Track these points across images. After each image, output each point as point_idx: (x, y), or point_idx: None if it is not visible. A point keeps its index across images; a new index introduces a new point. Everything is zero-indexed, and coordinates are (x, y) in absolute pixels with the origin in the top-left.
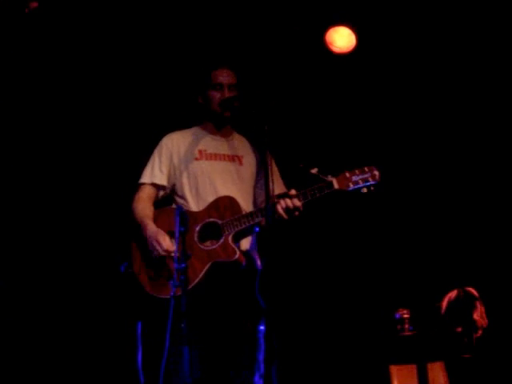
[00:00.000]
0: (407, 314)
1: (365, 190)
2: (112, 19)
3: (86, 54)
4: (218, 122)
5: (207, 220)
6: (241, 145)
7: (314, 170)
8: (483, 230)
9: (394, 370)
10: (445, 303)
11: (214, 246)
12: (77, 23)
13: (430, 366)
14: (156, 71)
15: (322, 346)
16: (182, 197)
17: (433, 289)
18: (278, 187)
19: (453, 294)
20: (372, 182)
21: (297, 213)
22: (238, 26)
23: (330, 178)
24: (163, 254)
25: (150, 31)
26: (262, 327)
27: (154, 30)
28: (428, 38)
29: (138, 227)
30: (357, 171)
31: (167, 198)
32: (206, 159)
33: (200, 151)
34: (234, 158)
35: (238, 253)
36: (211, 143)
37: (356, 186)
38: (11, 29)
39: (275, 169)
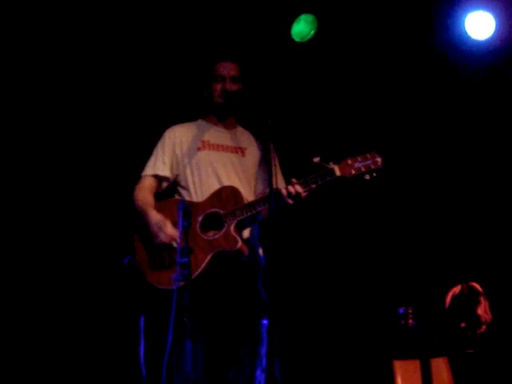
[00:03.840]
0: (411, 308)
1: (367, 176)
2: (118, 13)
3: (91, 49)
4: (220, 114)
5: (209, 210)
6: (244, 137)
7: (317, 159)
8: (487, 225)
9: (398, 365)
10: (449, 298)
11: (216, 236)
12: (82, 15)
13: (433, 361)
14: (162, 65)
15: (325, 340)
16: (185, 187)
17: (437, 284)
18: (279, 181)
19: (457, 288)
20: (374, 169)
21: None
22: (242, 20)
23: (331, 165)
24: (166, 240)
25: (157, 24)
26: (264, 321)
27: (160, 22)
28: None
29: (139, 216)
30: (359, 158)
31: (170, 189)
32: (209, 150)
33: (203, 142)
34: (237, 150)
35: (240, 242)
36: (214, 134)
37: (358, 173)
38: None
39: (277, 164)
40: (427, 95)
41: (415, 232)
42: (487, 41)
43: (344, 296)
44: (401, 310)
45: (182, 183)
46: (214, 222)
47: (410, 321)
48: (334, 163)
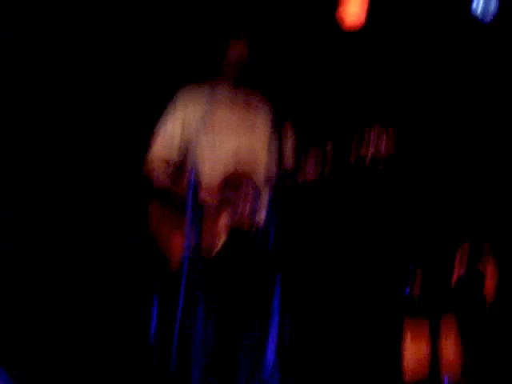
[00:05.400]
0: (418, 286)
1: (380, 165)
2: None
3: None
4: (233, 87)
5: (224, 191)
6: (256, 112)
7: (330, 146)
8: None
9: (407, 322)
10: (454, 279)
11: (230, 217)
12: None
13: (441, 320)
14: (172, 27)
15: (334, 301)
16: (195, 166)
17: (446, 248)
18: (291, 157)
19: (462, 269)
20: (388, 157)
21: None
22: None
23: (346, 153)
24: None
25: None
26: (276, 291)
27: None
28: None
29: (162, 192)
30: (372, 144)
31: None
32: (221, 125)
33: (214, 116)
34: (249, 124)
35: (254, 223)
36: (225, 108)
37: (372, 162)
38: None
39: (290, 139)
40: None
41: (423, 203)
42: None
43: (352, 271)
44: (408, 289)
45: (192, 161)
46: (227, 202)
47: (416, 297)
48: (348, 151)
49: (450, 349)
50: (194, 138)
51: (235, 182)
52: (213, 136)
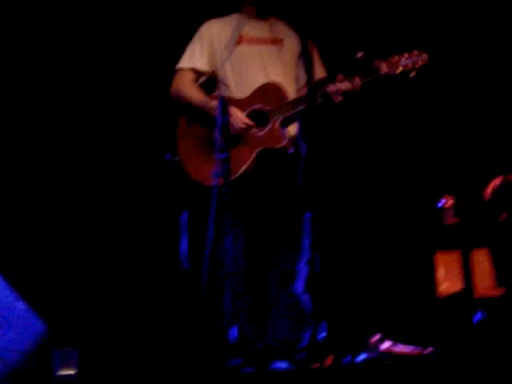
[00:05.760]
0: (451, 201)
1: (413, 73)
2: None
3: None
4: (260, 9)
5: (253, 107)
6: (282, 28)
7: (360, 54)
8: None
9: (440, 256)
10: (489, 190)
11: (261, 133)
12: None
13: (474, 251)
14: None
15: (365, 234)
16: (225, 83)
17: (478, 175)
18: (319, 72)
19: (497, 181)
20: (421, 66)
21: (344, 97)
22: None
23: (377, 62)
24: (243, 126)
25: None
26: (307, 214)
27: None
28: None
29: (193, 110)
30: (406, 54)
31: (209, 85)
32: (248, 43)
33: (241, 36)
34: (276, 41)
35: (285, 139)
36: (252, 27)
37: (405, 70)
38: None
39: (316, 53)
40: None
41: (457, 125)
42: None
43: (384, 189)
44: (440, 203)
45: (222, 78)
46: (257, 118)
47: (450, 213)
48: (380, 60)
49: (483, 272)
50: (223, 55)
51: (265, 99)
52: (242, 53)
